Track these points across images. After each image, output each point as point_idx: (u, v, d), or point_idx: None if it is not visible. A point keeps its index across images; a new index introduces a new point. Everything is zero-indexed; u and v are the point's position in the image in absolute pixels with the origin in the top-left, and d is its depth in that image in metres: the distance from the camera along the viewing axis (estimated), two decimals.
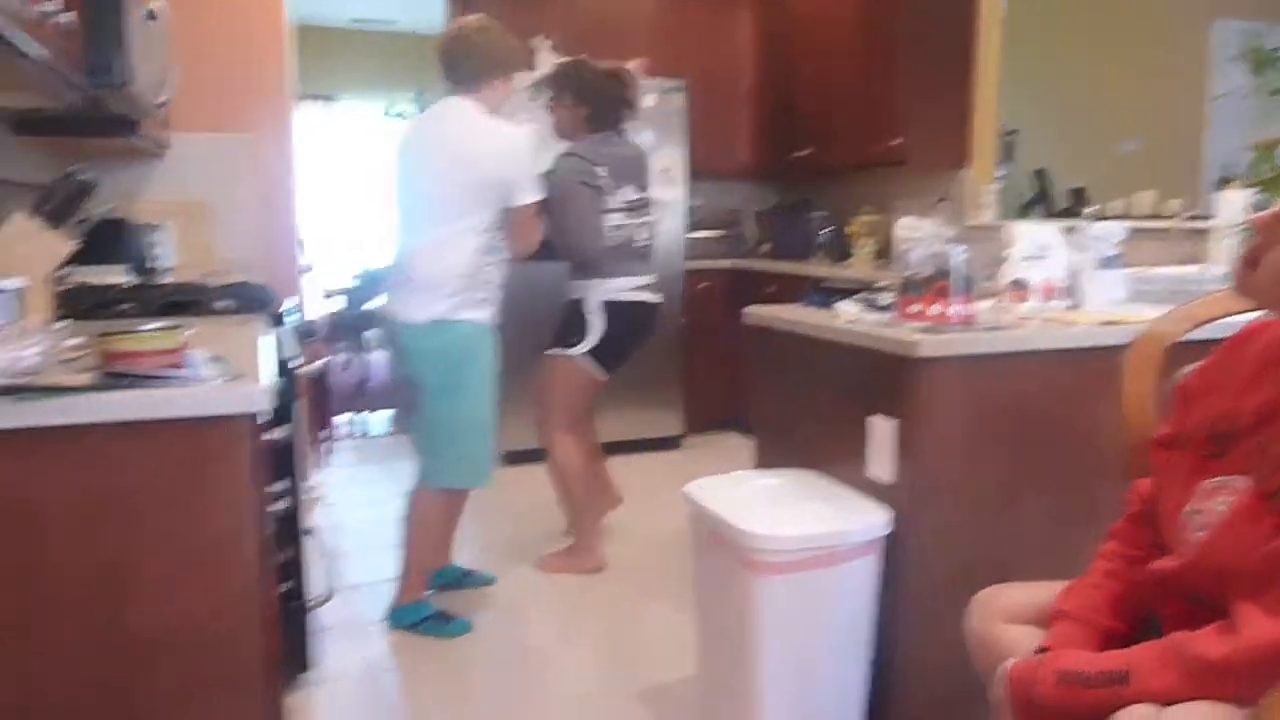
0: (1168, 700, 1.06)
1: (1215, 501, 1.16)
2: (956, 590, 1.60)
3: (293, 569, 2.17)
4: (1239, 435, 1.17)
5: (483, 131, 2.62)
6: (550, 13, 4.77)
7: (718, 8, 5.25)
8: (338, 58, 7.79)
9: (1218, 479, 1.17)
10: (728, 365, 4.81)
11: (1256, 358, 1.21)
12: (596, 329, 3.10)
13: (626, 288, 3.15)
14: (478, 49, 2.68)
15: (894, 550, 1.93)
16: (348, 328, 6.47)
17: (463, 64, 2.67)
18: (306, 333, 2.51)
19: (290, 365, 2.11)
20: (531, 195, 2.67)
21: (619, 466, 4.49)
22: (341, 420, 5.46)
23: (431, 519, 2.76)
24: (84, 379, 1.28)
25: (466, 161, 2.58)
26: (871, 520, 1.91)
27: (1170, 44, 5.20)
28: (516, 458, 4.35)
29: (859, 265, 4.51)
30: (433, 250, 2.60)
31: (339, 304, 6.61)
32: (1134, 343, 1.56)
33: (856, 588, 1.93)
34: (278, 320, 2.32)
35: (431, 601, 2.78)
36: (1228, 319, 1.57)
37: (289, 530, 2.10)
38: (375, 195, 8.20)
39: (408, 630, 2.73)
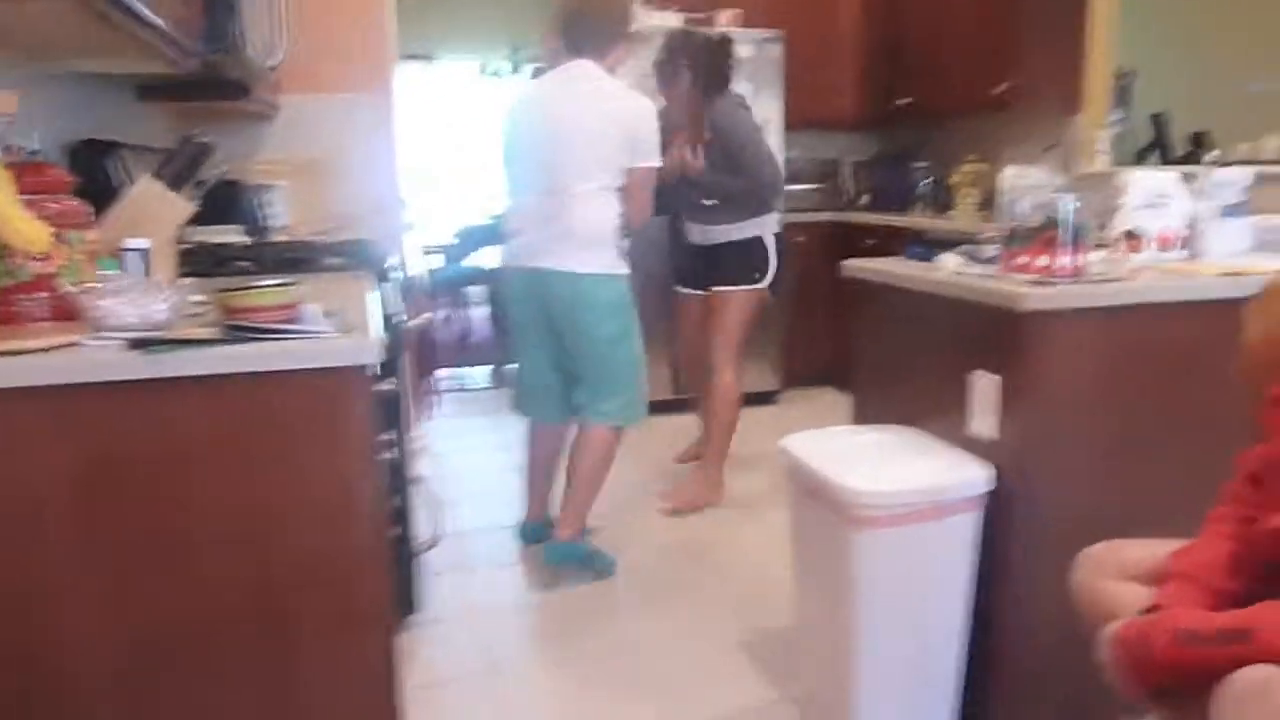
0: None
1: None
2: (1064, 549, 1.57)
3: (401, 515, 2.27)
4: None
5: (623, 94, 2.76)
6: None
7: None
8: (434, 18, 7.87)
9: None
10: (825, 320, 4.74)
11: None
12: (774, 260, 3.42)
13: (781, 222, 3.50)
14: (601, 14, 2.78)
15: (997, 507, 1.90)
16: (448, 284, 6.61)
17: (588, 28, 2.77)
18: (410, 288, 2.58)
19: (395, 320, 2.18)
20: (655, 160, 2.80)
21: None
22: (444, 374, 5.62)
23: (610, 457, 2.89)
24: (209, 333, 1.36)
25: (617, 121, 2.71)
26: (972, 476, 1.88)
27: None
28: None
29: (962, 217, 4.38)
30: (590, 206, 2.72)
31: (439, 261, 6.76)
32: (1258, 293, 1.48)
33: (957, 544, 1.91)
34: (383, 276, 2.39)
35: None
36: None
37: (397, 478, 2.19)
38: (473, 153, 8.33)
39: (574, 565, 2.85)
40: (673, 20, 4.41)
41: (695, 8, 4.60)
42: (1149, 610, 1.23)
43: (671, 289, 3.77)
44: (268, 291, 1.45)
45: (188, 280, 1.85)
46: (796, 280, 4.63)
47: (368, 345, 1.36)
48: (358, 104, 3.80)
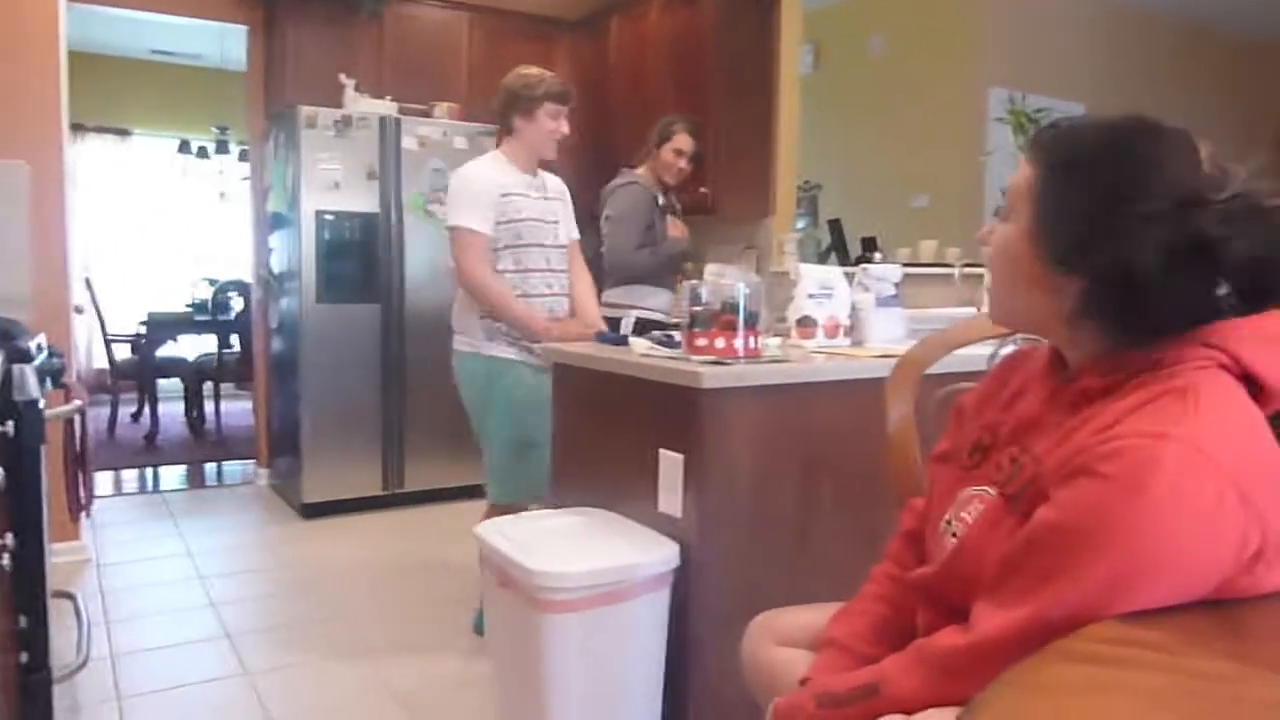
0: (918, 707, 1.08)
1: (969, 510, 1.19)
2: (745, 620, 1.60)
3: (29, 637, 1.94)
4: (996, 447, 1.21)
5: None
6: (363, 51, 4.67)
7: (533, 52, 5.29)
8: (134, 90, 7.36)
9: (973, 488, 1.21)
10: None
11: (1022, 376, 1.26)
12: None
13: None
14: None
15: (684, 584, 1.92)
16: (135, 375, 6.01)
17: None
18: (55, 373, 2.28)
19: (26, 406, 1.90)
20: (450, 222, 2.86)
21: (424, 515, 4.36)
22: (124, 476, 5.04)
23: None
24: None
25: None
26: (659, 555, 1.89)
27: (954, 107, 5.64)
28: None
29: (675, 308, 4.58)
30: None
31: (125, 350, 6.15)
32: (893, 369, 1.62)
33: (648, 623, 1.90)
34: (20, 357, 2.09)
35: None
36: (984, 342, 1.68)
37: (23, 593, 1.88)
38: (172, 235, 7.77)
39: None
40: (389, 109, 4.37)
41: (412, 99, 4.60)
42: (803, 682, 1.25)
43: None
44: None
45: None
46: None
47: None
48: (24, 170, 3.40)
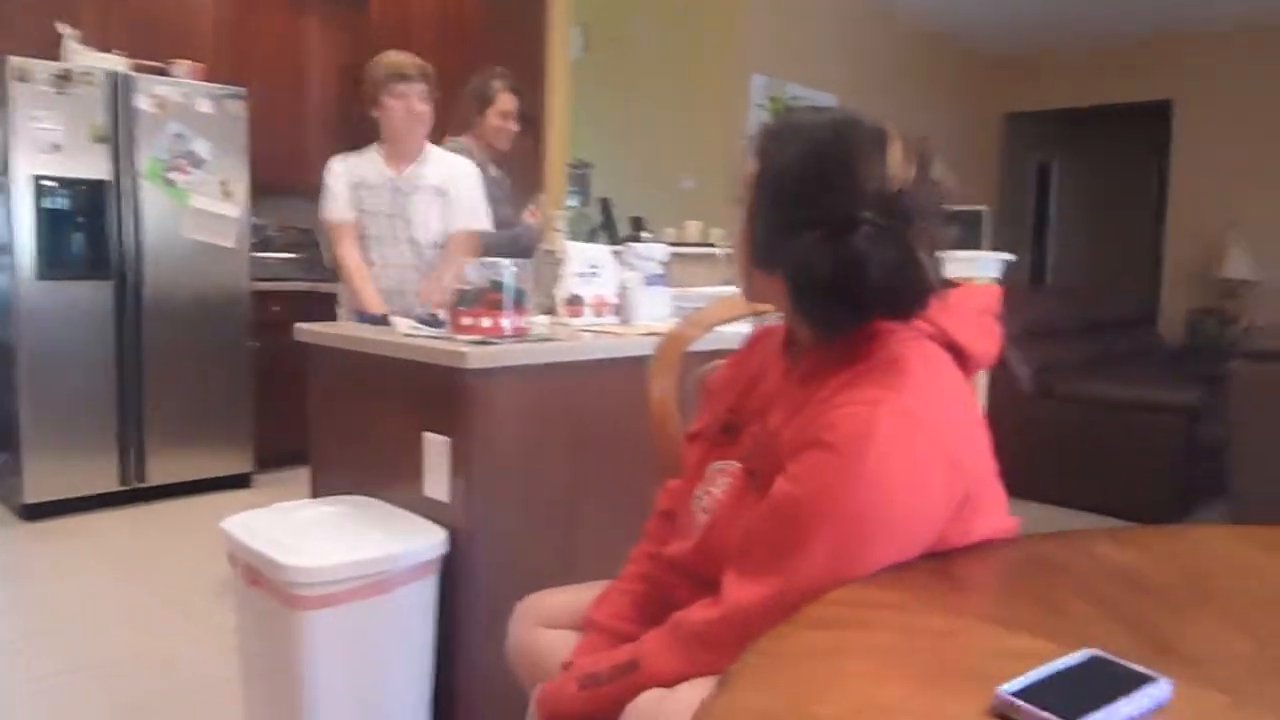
0: (677, 680, 1.09)
1: (717, 485, 1.22)
2: (516, 603, 1.57)
3: None
4: (743, 425, 1.25)
5: None
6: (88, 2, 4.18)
7: (287, 21, 4.96)
8: None
9: (720, 463, 1.25)
10: (301, 395, 4.50)
11: (762, 355, 1.30)
12: None
13: None
14: None
15: (452, 571, 1.87)
16: None
17: None
18: None
19: None
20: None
21: (181, 509, 4.02)
22: None
23: None
24: None
25: None
26: (426, 542, 1.83)
27: (719, 92, 5.82)
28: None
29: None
30: None
31: None
32: (656, 347, 1.64)
33: (414, 612, 1.84)
34: None
35: None
36: (743, 320, 1.73)
37: None
38: None
39: None
40: (118, 64, 3.95)
41: (146, 55, 4.18)
42: (566, 666, 1.24)
43: None
44: None
45: None
46: (270, 352, 4.36)
47: None
48: None
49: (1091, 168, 8.88)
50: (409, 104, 2.86)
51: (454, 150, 3.27)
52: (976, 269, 3.59)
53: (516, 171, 3.65)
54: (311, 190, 4.81)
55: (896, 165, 1.03)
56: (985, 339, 1.17)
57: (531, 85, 4.35)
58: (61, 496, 3.79)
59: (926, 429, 1.02)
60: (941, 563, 1.06)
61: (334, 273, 3.12)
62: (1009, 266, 3.82)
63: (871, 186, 1.01)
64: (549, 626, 1.39)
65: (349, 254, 2.94)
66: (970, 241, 3.73)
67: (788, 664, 0.84)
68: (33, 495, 3.71)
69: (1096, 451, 4.19)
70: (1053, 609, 0.96)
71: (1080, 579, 1.05)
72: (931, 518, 1.03)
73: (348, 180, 2.94)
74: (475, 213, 3.01)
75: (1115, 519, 3.95)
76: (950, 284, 1.10)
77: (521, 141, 3.54)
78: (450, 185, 2.97)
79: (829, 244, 1.01)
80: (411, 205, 2.93)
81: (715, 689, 0.79)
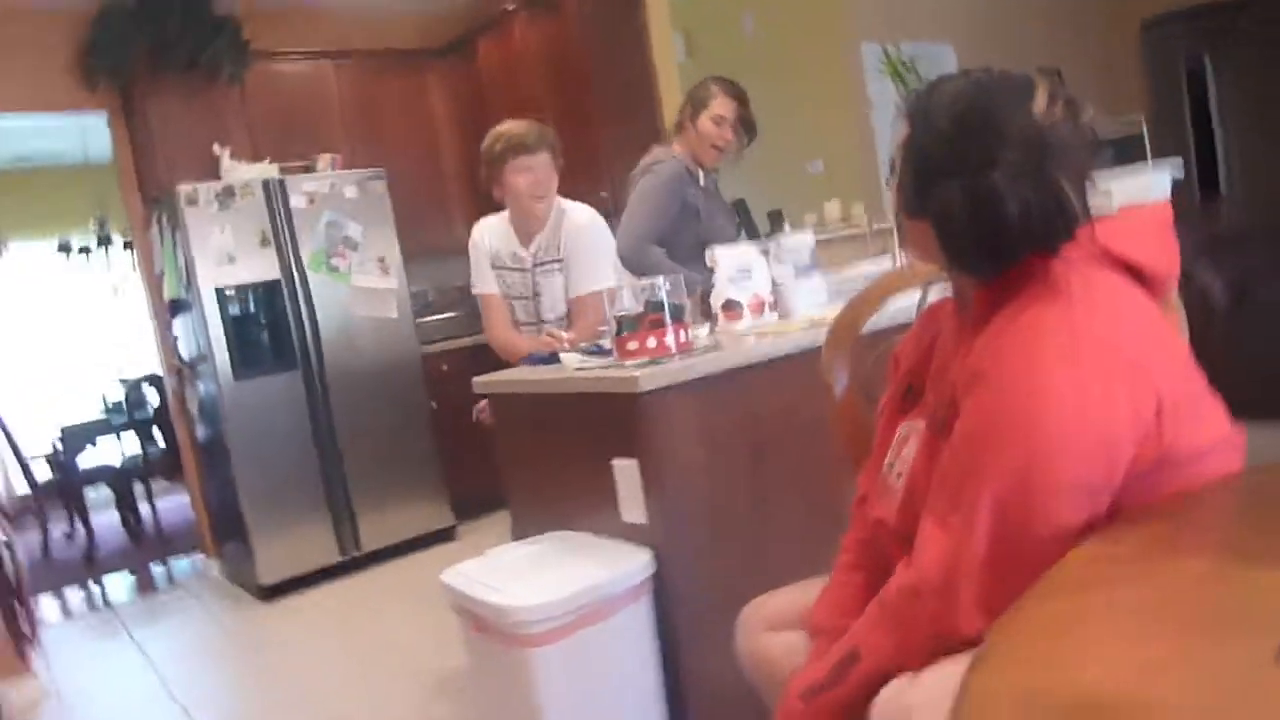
0: (902, 657, 1.07)
1: (908, 447, 1.21)
2: (729, 612, 1.57)
3: None
4: (924, 386, 1.23)
5: None
6: (231, 117, 4.53)
7: (405, 88, 5.21)
8: (6, 202, 7.07)
9: (907, 425, 1.23)
10: (488, 443, 4.68)
11: (940, 322, 1.28)
12: None
13: None
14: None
15: (663, 588, 1.90)
16: (59, 491, 5.76)
17: None
18: None
19: None
20: None
21: (397, 570, 4.25)
22: (68, 597, 4.83)
23: None
24: None
25: None
26: (634, 564, 1.86)
27: (831, 68, 5.71)
28: None
29: None
30: None
31: (43, 468, 5.89)
32: (827, 336, 1.62)
33: (634, 635, 1.87)
34: None
35: None
36: (907, 292, 1.68)
37: None
38: (67, 340, 7.49)
39: None
40: (269, 171, 4.26)
41: (291, 157, 4.48)
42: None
43: None
44: None
45: None
46: (450, 409, 4.54)
47: None
48: None
49: (1251, 63, 8.16)
50: (534, 177, 2.69)
51: (654, 159, 2.96)
52: (1146, 186, 3.35)
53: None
54: (458, 247, 5.03)
55: (1041, 110, 1.03)
56: (1160, 253, 1.14)
57: (646, 103, 4.39)
58: (291, 575, 4.08)
59: (1091, 338, 1.00)
60: (1170, 504, 1.00)
61: None
62: (1178, 182, 3.55)
63: (1014, 131, 1.02)
64: (775, 629, 1.39)
65: (498, 331, 2.88)
66: (1134, 160, 3.49)
67: (1040, 636, 0.81)
68: (266, 577, 4.02)
69: None
70: None
71: None
72: (1117, 425, 0.98)
73: (487, 254, 2.88)
74: (595, 273, 2.74)
75: None
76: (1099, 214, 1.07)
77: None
78: (567, 253, 2.77)
79: (967, 185, 1.03)
80: (544, 286, 2.82)
81: (968, 670, 0.77)
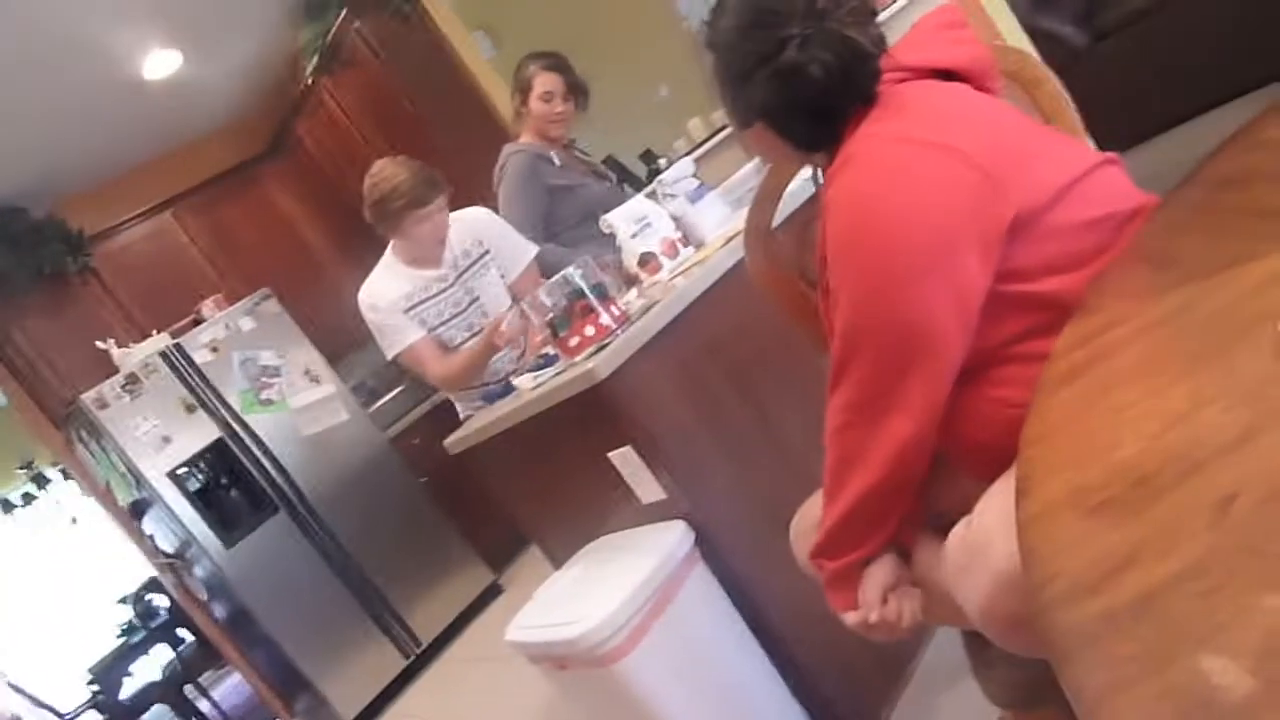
0: (863, 478, 1.17)
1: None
2: (781, 533, 1.56)
3: None
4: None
5: None
6: (100, 308, 4.40)
7: (249, 201, 5.09)
8: None
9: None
10: (488, 489, 4.64)
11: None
12: None
13: None
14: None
15: (710, 547, 1.88)
16: None
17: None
18: None
19: None
20: None
21: (458, 653, 4.19)
22: None
23: None
24: None
25: None
26: (673, 538, 1.84)
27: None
28: None
29: None
30: None
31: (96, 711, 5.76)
32: (744, 245, 1.61)
33: (704, 604, 1.86)
34: None
35: None
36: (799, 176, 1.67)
37: None
38: (52, 588, 7.31)
39: None
40: (161, 341, 4.14)
41: (176, 317, 4.36)
42: None
43: None
44: None
45: None
46: (439, 474, 4.48)
47: None
48: None
49: None
50: (434, 223, 2.56)
51: (505, 157, 2.90)
52: None
53: None
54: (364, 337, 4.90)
55: None
56: (956, 47, 1.24)
57: (477, 109, 4.31)
58: (369, 699, 4.04)
59: (894, 135, 1.11)
60: (1122, 258, 0.99)
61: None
62: None
63: (788, 10, 1.11)
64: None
65: (436, 368, 2.66)
66: None
67: (1061, 433, 0.80)
68: (348, 713, 3.97)
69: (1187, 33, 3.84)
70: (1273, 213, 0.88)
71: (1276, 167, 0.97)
72: (941, 199, 1.05)
73: (395, 305, 2.63)
74: (517, 246, 2.72)
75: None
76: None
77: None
78: (487, 236, 2.70)
79: (770, 73, 1.13)
80: (480, 287, 2.68)
81: (1016, 498, 0.76)
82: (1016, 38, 3.01)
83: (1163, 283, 0.93)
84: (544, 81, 2.87)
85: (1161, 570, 0.55)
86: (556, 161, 2.90)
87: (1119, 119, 3.13)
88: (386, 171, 2.56)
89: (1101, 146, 1.32)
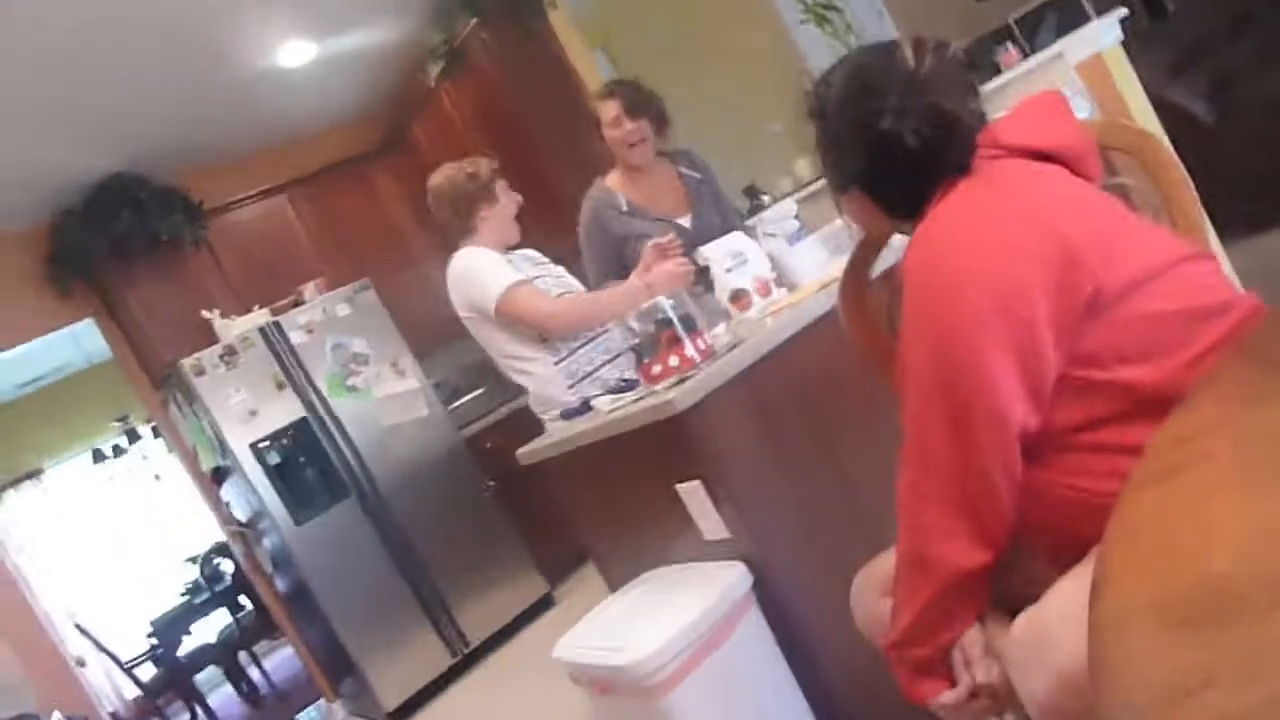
0: (917, 604, 1.18)
1: None
2: (840, 589, 1.54)
3: None
4: None
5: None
6: (208, 279, 4.59)
7: (361, 192, 5.25)
8: (17, 431, 7.18)
9: None
10: (554, 502, 4.67)
11: None
12: None
13: None
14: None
15: (767, 592, 1.87)
16: (172, 685, 5.82)
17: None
18: None
19: None
20: None
21: (504, 658, 4.22)
22: None
23: None
24: None
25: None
26: (731, 579, 1.83)
27: (752, 29, 5.66)
28: None
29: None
30: None
31: (149, 668, 5.96)
32: (839, 292, 1.60)
33: (754, 648, 1.84)
34: None
35: None
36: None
37: None
38: (128, 540, 7.60)
39: None
40: (261, 317, 4.29)
41: (278, 296, 4.52)
42: None
43: None
44: None
45: None
46: (508, 482, 4.50)
47: None
48: None
49: None
50: (514, 195, 2.75)
51: (584, 206, 2.86)
52: (1095, 36, 3.29)
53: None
54: (460, 326, 5.00)
55: (907, 60, 1.14)
56: (1055, 129, 1.22)
57: (586, 124, 4.36)
58: (412, 691, 4.09)
59: (980, 206, 1.11)
60: (1230, 357, 0.96)
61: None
62: (1127, 20, 3.49)
63: (889, 82, 1.14)
64: (888, 593, 1.36)
65: (547, 303, 2.58)
66: (1075, 22, 3.41)
67: (1146, 536, 0.77)
68: (390, 702, 4.02)
69: None
70: None
71: None
72: (1019, 269, 1.04)
73: (498, 260, 2.63)
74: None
75: None
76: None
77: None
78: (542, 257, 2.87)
79: (868, 140, 1.16)
80: (558, 274, 2.81)
81: (1091, 598, 0.73)
82: (1144, 114, 2.93)
83: (1271, 390, 0.89)
84: (605, 110, 2.79)
85: (1241, 699, 0.53)
86: (624, 207, 2.81)
87: (1242, 202, 3.03)
88: (452, 167, 2.76)
89: (1221, 229, 1.29)
